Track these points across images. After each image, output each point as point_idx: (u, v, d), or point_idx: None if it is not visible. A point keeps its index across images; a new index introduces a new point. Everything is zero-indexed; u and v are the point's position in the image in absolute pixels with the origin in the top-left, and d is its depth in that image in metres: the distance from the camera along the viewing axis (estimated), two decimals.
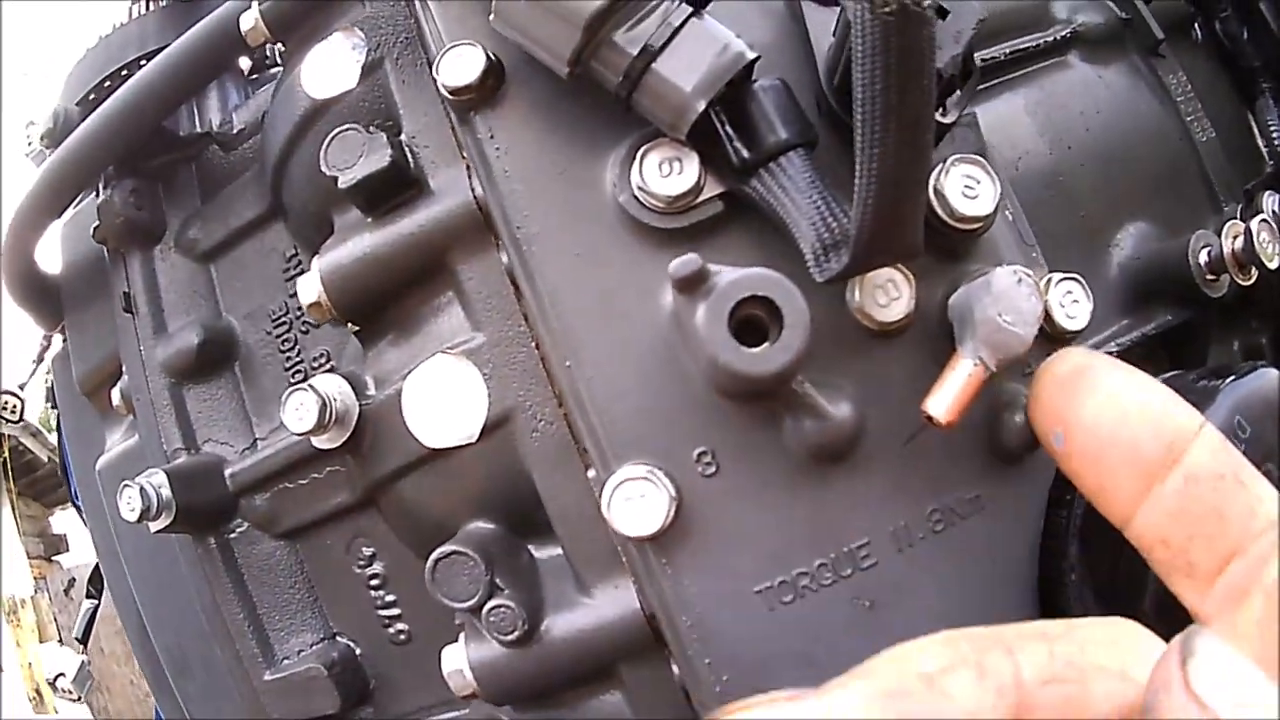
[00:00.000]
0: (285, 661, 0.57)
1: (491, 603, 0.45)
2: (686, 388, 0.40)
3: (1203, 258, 0.57)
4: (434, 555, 0.46)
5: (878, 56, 0.29)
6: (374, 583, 0.56)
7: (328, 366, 0.56)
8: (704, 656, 0.40)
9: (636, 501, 0.38)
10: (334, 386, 0.48)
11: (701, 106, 0.37)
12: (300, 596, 0.58)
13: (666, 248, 0.40)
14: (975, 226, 0.40)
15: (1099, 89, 0.60)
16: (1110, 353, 0.51)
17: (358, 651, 0.57)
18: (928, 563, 0.40)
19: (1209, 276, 0.57)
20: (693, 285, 0.34)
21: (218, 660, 0.58)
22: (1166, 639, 0.27)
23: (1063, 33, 0.60)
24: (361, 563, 0.56)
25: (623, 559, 0.44)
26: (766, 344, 0.34)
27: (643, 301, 0.40)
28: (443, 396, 0.46)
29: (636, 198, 0.40)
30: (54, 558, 5.65)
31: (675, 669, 0.44)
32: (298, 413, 0.47)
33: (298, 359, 0.58)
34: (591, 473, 0.43)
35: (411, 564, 0.54)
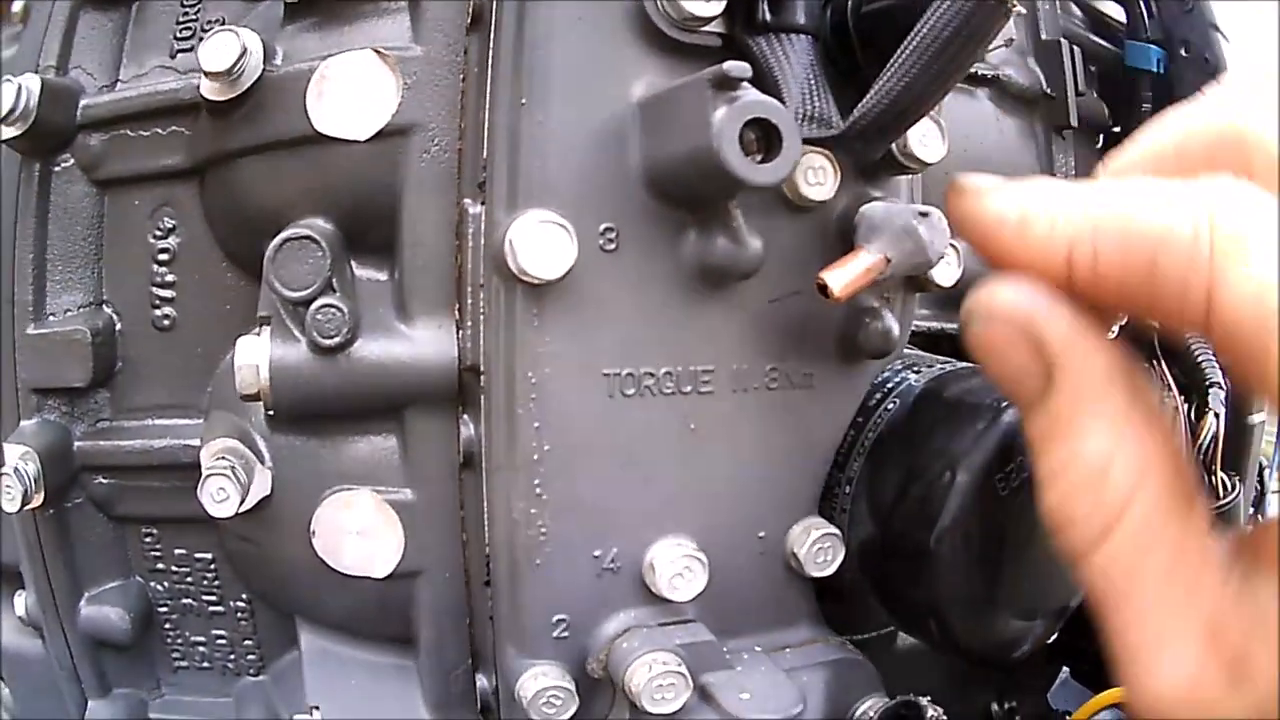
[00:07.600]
0: (51, 318, 0.54)
1: (323, 300, 0.44)
2: (620, 169, 0.41)
3: None
4: (283, 235, 0.44)
5: (955, 21, 0.34)
6: (162, 257, 0.53)
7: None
8: (534, 419, 0.42)
9: (548, 243, 0.39)
10: (254, 42, 0.45)
11: None
12: (87, 250, 0.54)
13: (656, 52, 0.42)
14: (910, 167, 0.45)
15: (991, 127, 0.65)
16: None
17: (118, 326, 0.54)
18: (753, 412, 0.44)
19: None
20: (729, 86, 0.36)
21: None
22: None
23: (985, 72, 0.65)
24: (159, 233, 0.53)
25: (456, 302, 0.45)
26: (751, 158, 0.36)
27: (616, 84, 0.41)
28: (353, 89, 0.44)
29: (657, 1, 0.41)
30: None
31: (470, 429, 0.44)
32: (217, 51, 0.44)
33: (194, 15, 0.53)
34: (476, 209, 0.43)
35: (207, 251, 0.53)
